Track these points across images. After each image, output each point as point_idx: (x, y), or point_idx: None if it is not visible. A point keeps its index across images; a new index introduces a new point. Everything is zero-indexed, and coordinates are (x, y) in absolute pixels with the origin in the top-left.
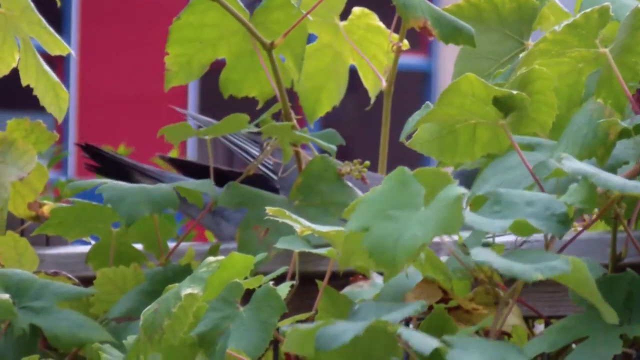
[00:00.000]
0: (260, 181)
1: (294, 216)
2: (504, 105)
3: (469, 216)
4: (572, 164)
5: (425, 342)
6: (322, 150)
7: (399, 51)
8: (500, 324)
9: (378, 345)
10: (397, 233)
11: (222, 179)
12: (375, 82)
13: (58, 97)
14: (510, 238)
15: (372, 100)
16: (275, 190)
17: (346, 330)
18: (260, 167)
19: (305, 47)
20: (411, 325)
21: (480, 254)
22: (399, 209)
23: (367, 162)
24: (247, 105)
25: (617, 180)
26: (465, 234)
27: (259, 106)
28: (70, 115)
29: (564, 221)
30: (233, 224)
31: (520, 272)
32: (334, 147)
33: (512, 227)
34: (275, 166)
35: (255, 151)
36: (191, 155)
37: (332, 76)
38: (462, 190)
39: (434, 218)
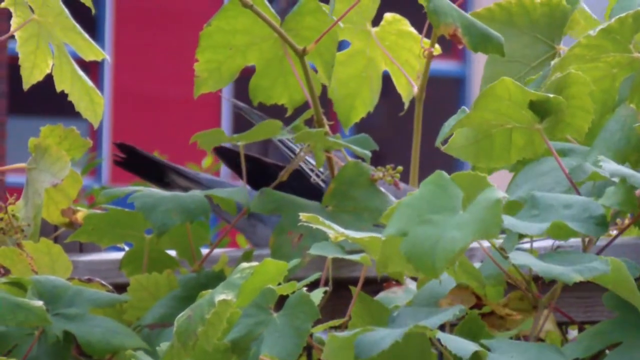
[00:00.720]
0: (297, 178)
1: (328, 222)
2: (540, 109)
3: (507, 219)
4: (610, 166)
5: (464, 346)
6: (354, 156)
7: (430, 57)
8: (540, 328)
9: (412, 353)
10: (435, 237)
11: (260, 171)
12: (408, 87)
13: (93, 102)
14: (546, 243)
15: (406, 106)
16: (314, 189)
17: (385, 337)
18: (304, 167)
19: (335, 54)
20: (446, 330)
21: (518, 257)
22: (437, 213)
23: (400, 168)
24: (281, 109)
25: None
26: (498, 242)
27: (288, 113)
28: (105, 121)
29: (602, 223)
30: (269, 227)
31: (559, 273)
32: (367, 153)
33: (550, 229)
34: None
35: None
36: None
37: (366, 82)
38: (502, 193)
39: (472, 221)
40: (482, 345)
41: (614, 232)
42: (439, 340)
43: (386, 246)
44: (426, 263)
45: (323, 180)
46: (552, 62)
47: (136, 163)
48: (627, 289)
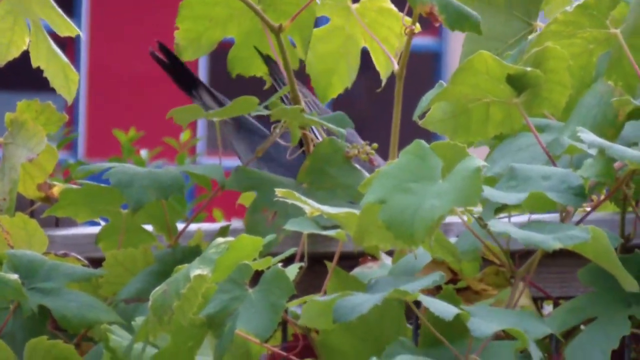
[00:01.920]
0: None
1: (303, 198)
2: (517, 83)
3: (486, 189)
4: (588, 137)
5: (446, 308)
6: (330, 133)
7: (411, 34)
8: (516, 299)
9: (387, 325)
10: (415, 205)
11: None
12: (386, 64)
13: (68, 79)
14: (522, 219)
15: (383, 83)
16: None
17: (364, 301)
18: None
19: (312, 30)
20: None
21: (497, 225)
22: (417, 182)
23: (375, 145)
24: (257, 86)
25: (633, 153)
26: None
27: (266, 86)
28: (80, 97)
29: (581, 194)
30: (259, 136)
31: (539, 241)
32: (343, 131)
33: (528, 199)
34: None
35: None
36: (201, 134)
37: (344, 58)
38: (481, 162)
39: (452, 190)
40: (463, 309)
41: (589, 209)
42: (417, 306)
43: (364, 217)
44: (405, 231)
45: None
46: (529, 38)
47: (174, 68)
48: (607, 258)
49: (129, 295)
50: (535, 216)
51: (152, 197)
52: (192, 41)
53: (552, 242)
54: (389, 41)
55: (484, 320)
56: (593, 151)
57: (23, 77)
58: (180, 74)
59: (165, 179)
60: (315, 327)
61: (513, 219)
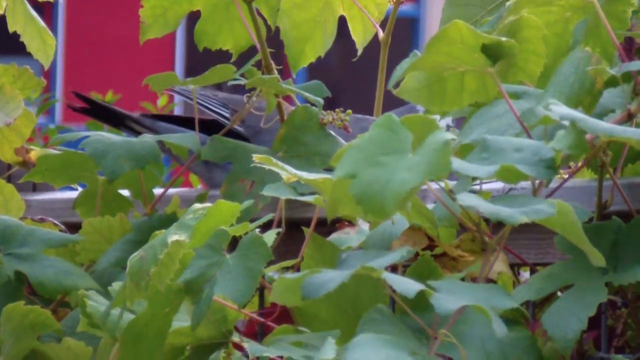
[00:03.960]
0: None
1: (280, 163)
2: (492, 52)
3: (456, 162)
4: (560, 109)
5: (409, 286)
6: (305, 101)
7: (398, 2)
8: (488, 270)
9: (364, 293)
10: (385, 179)
11: (209, 130)
12: (364, 33)
13: (45, 43)
14: (498, 186)
15: (359, 52)
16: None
17: (332, 278)
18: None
19: None
20: (398, 273)
21: (466, 199)
22: (387, 155)
23: (349, 111)
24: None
25: (605, 126)
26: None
27: (233, 59)
28: (58, 62)
29: (552, 167)
30: (225, 172)
31: (506, 215)
32: (320, 100)
33: (499, 172)
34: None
35: (226, 114)
36: (178, 100)
37: (319, 27)
38: (450, 135)
39: (422, 163)
40: (428, 285)
41: (567, 176)
42: (383, 281)
43: (336, 189)
44: (375, 205)
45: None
46: (507, 4)
47: (94, 110)
48: (573, 233)
49: (107, 264)
50: (510, 185)
51: (127, 168)
52: (158, 18)
53: (518, 216)
54: (368, 9)
55: (449, 296)
56: (566, 121)
57: (0, 41)
58: (105, 113)
59: (140, 148)
60: (284, 304)
61: (489, 186)
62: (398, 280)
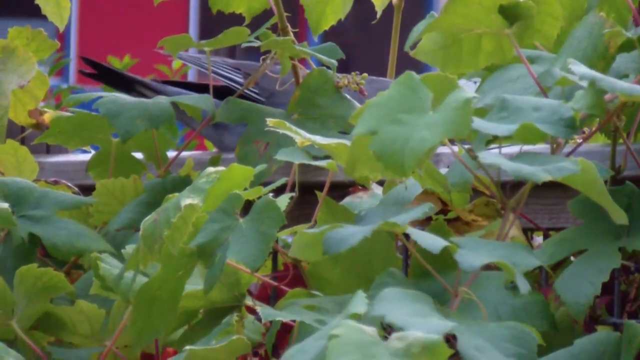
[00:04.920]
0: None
1: (294, 127)
2: (509, 14)
3: (476, 120)
4: (579, 69)
5: (434, 241)
6: (320, 64)
7: None
8: (507, 230)
9: (377, 257)
10: (405, 136)
11: (222, 96)
12: None
13: (60, 6)
14: (513, 150)
15: (378, 15)
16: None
17: (354, 233)
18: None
19: None
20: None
21: (488, 157)
22: (407, 113)
23: (365, 75)
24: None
25: (624, 85)
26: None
27: (246, 22)
28: (72, 24)
29: (571, 125)
30: (235, 136)
31: (529, 173)
32: (334, 62)
33: (519, 130)
34: (261, 91)
35: (239, 79)
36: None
37: None
38: (471, 93)
39: (442, 121)
40: (451, 242)
41: (580, 141)
42: (406, 238)
43: (355, 147)
44: (395, 162)
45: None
46: None
47: (104, 75)
48: (596, 190)
49: (120, 225)
50: (526, 147)
51: (141, 128)
52: None
53: (541, 174)
54: None
55: (472, 253)
56: (584, 83)
57: (15, 3)
58: (115, 78)
59: (154, 109)
60: (304, 259)
61: (504, 150)
62: (422, 236)
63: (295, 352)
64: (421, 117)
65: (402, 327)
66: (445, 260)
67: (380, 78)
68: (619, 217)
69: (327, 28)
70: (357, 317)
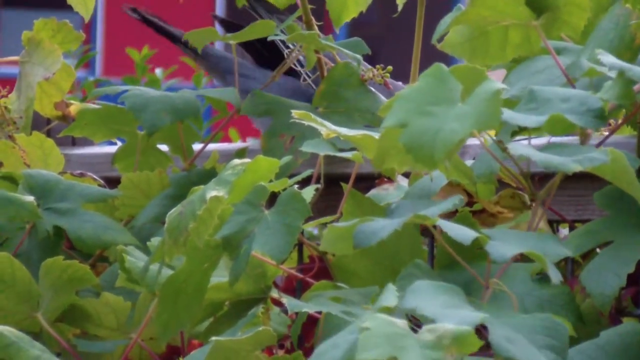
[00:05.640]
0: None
1: (319, 119)
2: (537, 6)
3: (506, 112)
4: (608, 59)
5: (465, 232)
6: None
7: None
8: (537, 222)
9: (403, 249)
10: (435, 128)
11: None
12: None
13: None
14: (541, 141)
15: (400, 7)
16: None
17: (384, 226)
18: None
19: None
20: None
21: (517, 148)
22: (437, 105)
23: (390, 68)
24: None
25: None
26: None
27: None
28: (98, 16)
29: (600, 116)
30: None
31: (559, 163)
32: (359, 57)
33: (548, 122)
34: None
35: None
36: None
37: None
38: (501, 85)
39: (472, 113)
40: (482, 233)
41: (607, 133)
42: (435, 229)
43: (384, 139)
44: (425, 154)
45: (311, 81)
46: None
47: (149, 25)
48: (626, 180)
49: (146, 220)
50: (554, 139)
51: (167, 121)
52: None
53: (572, 164)
54: None
55: (502, 244)
56: (612, 74)
57: None
58: (159, 30)
59: (179, 102)
60: (336, 252)
61: (532, 142)
62: (453, 228)
63: (327, 347)
64: (451, 109)
65: (433, 319)
66: (471, 252)
67: (399, 83)
68: None
69: (348, 20)
70: (387, 310)
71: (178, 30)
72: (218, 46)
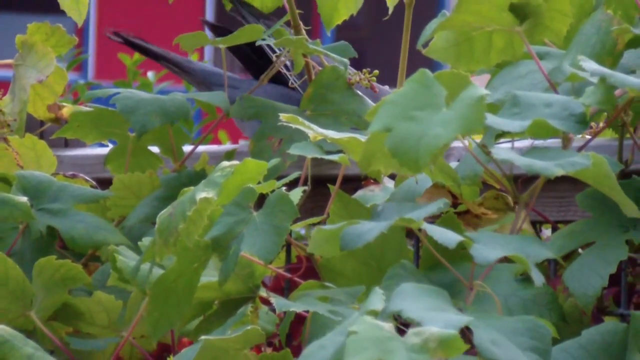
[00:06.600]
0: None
1: (307, 122)
2: (520, 12)
3: (489, 117)
4: (590, 65)
5: (449, 236)
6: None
7: None
8: (521, 224)
9: (389, 250)
10: (419, 133)
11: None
12: None
13: (78, 2)
14: (524, 144)
15: (390, 11)
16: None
17: (371, 229)
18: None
19: None
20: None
21: (501, 153)
22: (421, 110)
23: (376, 72)
24: None
25: (634, 80)
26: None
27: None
28: (91, 19)
29: (582, 121)
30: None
31: (542, 168)
32: (346, 61)
33: (531, 126)
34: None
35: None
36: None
37: None
38: (484, 91)
39: (456, 118)
40: (466, 237)
41: (589, 137)
42: (419, 232)
43: (370, 143)
44: (410, 158)
45: (298, 85)
46: None
47: (132, 45)
48: (607, 184)
49: (137, 220)
50: (538, 142)
51: (157, 123)
52: None
53: (554, 168)
54: None
55: (486, 247)
56: (594, 79)
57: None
58: (144, 52)
59: (170, 105)
60: (322, 254)
61: (515, 144)
62: (438, 231)
63: (315, 348)
64: (435, 114)
65: (420, 322)
66: (456, 253)
67: (385, 87)
68: (631, 210)
69: (339, 23)
70: (374, 314)
71: (161, 49)
72: (207, 50)
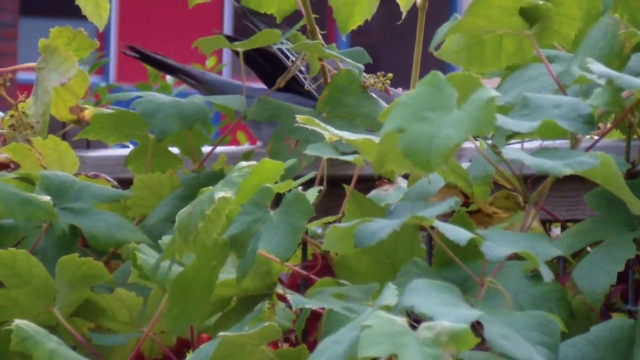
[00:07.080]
0: (292, 85)
1: (323, 124)
2: (529, 16)
3: (500, 118)
4: (598, 67)
5: (460, 233)
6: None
7: None
8: (530, 223)
9: (402, 247)
10: (431, 133)
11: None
12: None
13: (99, 7)
14: (533, 145)
15: (404, 15)
16: (306, 96)
17: (384, 227)
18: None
19: None
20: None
21: (511, 153)
22: (433, 111)
23: (390, 75)
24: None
25: None
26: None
27: (277, 22)
28: (112, 23)
29: (590, 121)
30: (272, 127)
31: (550, 167)
32: (361, 66)
33: (540, 127)
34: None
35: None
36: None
37: None
38: (495, 92)
39: (467, 119)
40: (477, 234)
41: (597, 137)
42: (432, 230)
43: (383, 144)
44: (422, 158)
45: (313, 89)
46: None
47: (147, 60)
48: (615, 183)
49: (157, 219)
50: (546, 142)
51: (176, 127)
52: None
53: (562, 168)
54: None
55: (496, 244)
56: (602, 81)
57: (57, 4)
58: (159, 66)
59: (188, 108)
60: (337, 252)
61: (525, 145)
62: (449, 229)
63: (329, 343)
64: (446, 115)
65: (431, 317)
66: (467, 251)
67: (398, 90)
68: (638, 209)
69: (354, 28)
70: (387, 309)
71: (177, 62)
72: (225, 59)
